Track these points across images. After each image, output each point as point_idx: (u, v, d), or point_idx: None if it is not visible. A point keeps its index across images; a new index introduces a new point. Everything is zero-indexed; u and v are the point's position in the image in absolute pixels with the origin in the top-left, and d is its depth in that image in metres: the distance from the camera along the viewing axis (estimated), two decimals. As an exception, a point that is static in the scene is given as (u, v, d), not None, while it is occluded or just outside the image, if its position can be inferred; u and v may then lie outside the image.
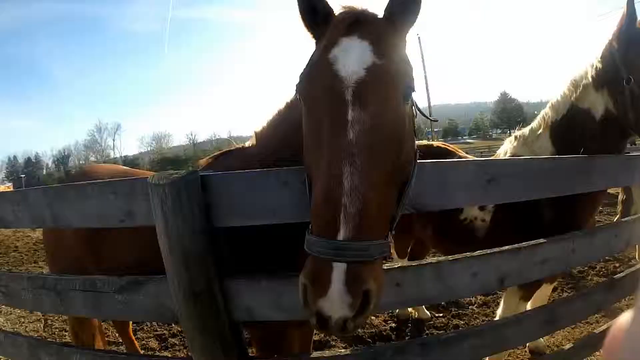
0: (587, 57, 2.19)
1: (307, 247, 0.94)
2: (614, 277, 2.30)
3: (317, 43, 1.17)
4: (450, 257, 1.39)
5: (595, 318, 3.43)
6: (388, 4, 1.16)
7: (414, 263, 1.37)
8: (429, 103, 31.87)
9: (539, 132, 2.40)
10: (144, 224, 1.36)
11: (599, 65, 2.07)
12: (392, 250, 3.66)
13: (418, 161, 1.16)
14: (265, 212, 1.25)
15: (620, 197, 5.47)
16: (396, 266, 1.35)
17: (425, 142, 3.26)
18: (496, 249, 1.45)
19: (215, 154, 1.82)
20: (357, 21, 1.10)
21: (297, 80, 1.12)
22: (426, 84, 31.73)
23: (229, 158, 1.74)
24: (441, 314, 4.04)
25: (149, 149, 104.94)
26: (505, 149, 2.68)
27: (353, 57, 1.04)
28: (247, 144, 1.73)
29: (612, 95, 2.02)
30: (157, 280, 1.41)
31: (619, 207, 5.42)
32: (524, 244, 1.54)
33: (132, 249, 1.85)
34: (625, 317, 0.40)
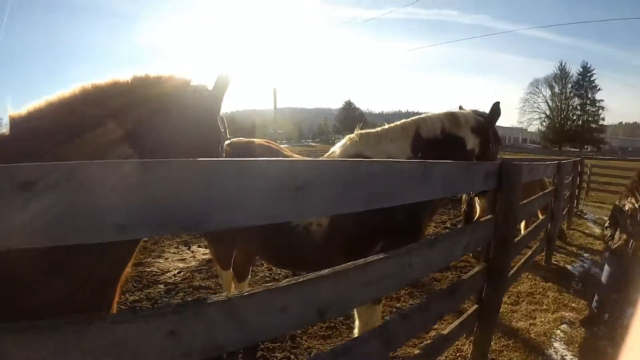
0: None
1: None
2: (454, 283, 2.27)
3: None
4: (245, 291, 1.04)
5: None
6: None
7: (190, 302, 0.99)
8: (275, 106, 34.15)
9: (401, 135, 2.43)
10: None
11: (481, 120, 2.60)
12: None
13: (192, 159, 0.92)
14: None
15: (464, 196, 5.61)
16: (170, 309, 0.95)
17: (244, 139, 2.76)
18: (312, 275, 1.15)
19: None
20: None
21: None
22: (274, 90, 33.85)
23: None
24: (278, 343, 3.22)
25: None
26: (345, 146, 2.46)
27: None
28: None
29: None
30: None
31: (463, 207, 5.72)
32: (351, 264, 1.28)
33: None
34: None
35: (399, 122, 2.53)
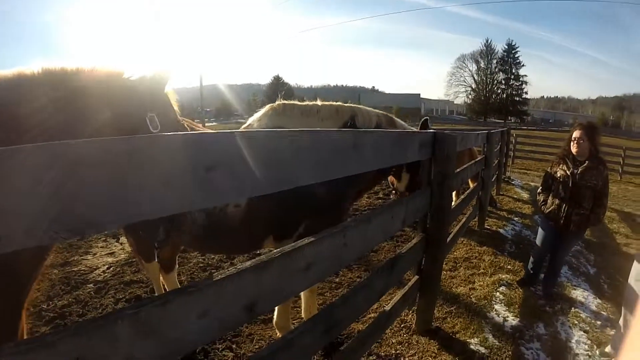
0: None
1: None
2: (394, 257, 2.22)
3: None
4: (158, 298, 0.86)
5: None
6: None
7: (94, 321, 0.77)
8: (201, 84, 33.92)
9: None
10: None
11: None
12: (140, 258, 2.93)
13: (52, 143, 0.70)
14: None
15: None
16: (71, 331, 0.74)
17: None
18: (232, 270, 1.00)
19: None
20: None
21: None
22: (200, 68, 33.32)
23: None
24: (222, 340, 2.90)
25: None
26: (266, 115, 2.28)
27: None
28: None
29: None
30: None
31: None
32: (277, 252, 1.14)
33: None
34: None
35: (334, 103, 2.45)
